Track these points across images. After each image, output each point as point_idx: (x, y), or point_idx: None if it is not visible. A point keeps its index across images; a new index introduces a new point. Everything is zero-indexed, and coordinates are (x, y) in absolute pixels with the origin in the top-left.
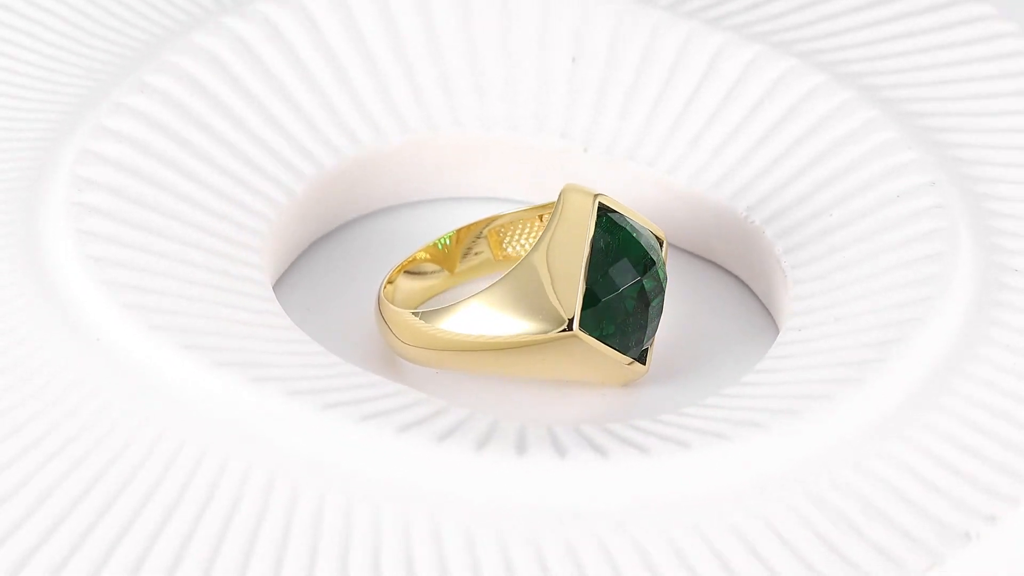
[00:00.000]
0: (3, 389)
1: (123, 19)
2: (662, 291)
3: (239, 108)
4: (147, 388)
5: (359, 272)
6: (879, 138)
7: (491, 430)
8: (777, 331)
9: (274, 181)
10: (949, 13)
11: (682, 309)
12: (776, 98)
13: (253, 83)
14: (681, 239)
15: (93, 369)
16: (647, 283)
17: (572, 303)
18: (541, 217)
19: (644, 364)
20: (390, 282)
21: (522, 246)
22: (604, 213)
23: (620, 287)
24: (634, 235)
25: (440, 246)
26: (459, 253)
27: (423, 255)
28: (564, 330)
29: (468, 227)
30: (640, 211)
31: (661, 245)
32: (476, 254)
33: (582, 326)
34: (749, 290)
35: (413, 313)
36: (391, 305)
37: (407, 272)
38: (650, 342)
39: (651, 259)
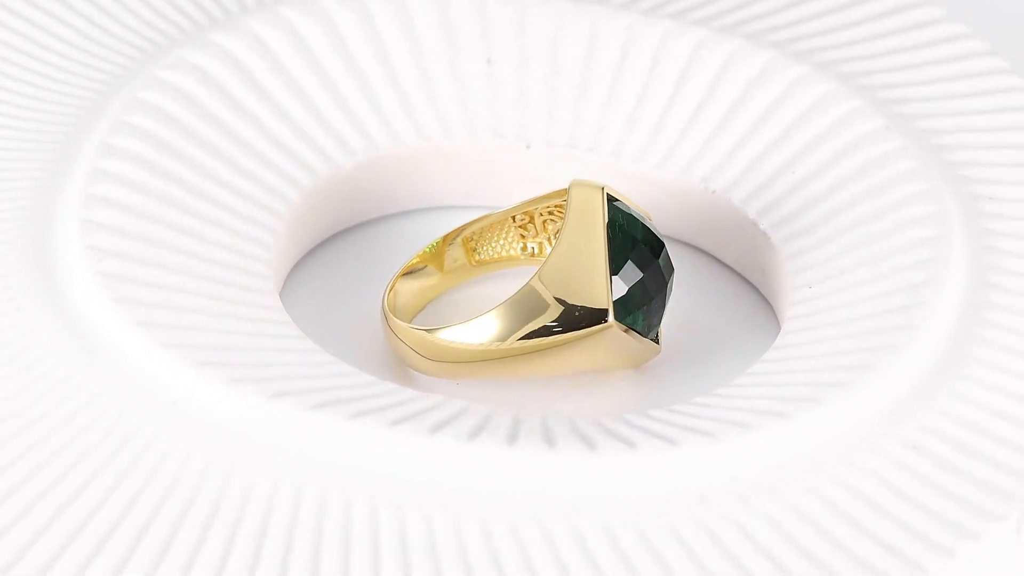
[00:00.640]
0: (19, 408)
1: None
2: (672, 270)
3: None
4: (165, 407)
5: (362, 277)
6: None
7: (520, 432)
8: (779, 328)
9: (273, 189)
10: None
11: (685, 304)
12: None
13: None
14: (684, 235)
15: (110, 388)
16: (662, 263)
17: (604, 296)
18: (514, 218)
19: (658, 343)
20: (391, 290)
21: (495, 251)
22: (609, 202)
23: (642, 272)
24: (640, 220)
25: (430, 250)
26: (444, 259)
27: (417, 260)
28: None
29: (446, 236)
30: (648, 207)
31: None
32: (454, 260)
33: (615, 316)
34: (752, 287)
35: (429, 330)
36: (405, 324)
37: (404, 276)
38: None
39: (660, 240)
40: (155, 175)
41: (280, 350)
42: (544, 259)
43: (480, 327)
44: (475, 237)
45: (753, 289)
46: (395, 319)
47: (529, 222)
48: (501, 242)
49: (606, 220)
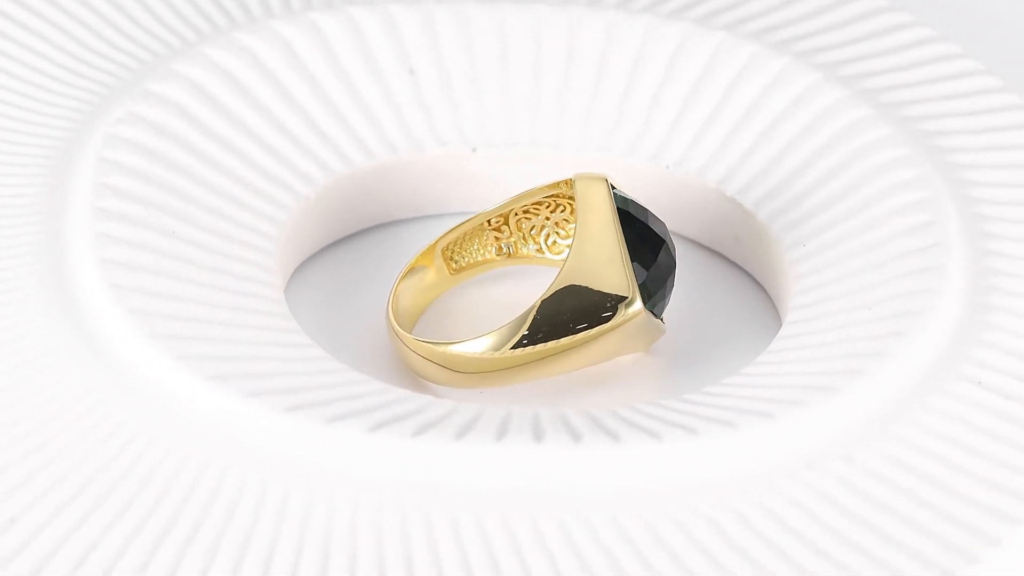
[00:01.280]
0: (36, 424)
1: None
2: (675, 248)
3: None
4: (181, 422)
5: (362, 283)
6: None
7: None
8: (781, 323)
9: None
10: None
11: (687, 298)
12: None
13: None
14: (687, 230)
15: (126, 401)
16: (669, 244)
17: (628, 283)
18: (489, 221)
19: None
20: (394, 297)
21: (472, 257)
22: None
23: (656, 255)
24: (641, 204)
25: (415, 263)
26: (427, 271)
27: (407, 270)
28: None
29: (426, 249)
30: (652, 203)
31: None
32: (436, 271)
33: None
34: (755, 282)
35: (455, 344)
36: (427, 343)
37: (402, 282)
38: None
39: (662, 222)
40: (153, 187)
41: (288, 359)
42: (564, 257)
43: (507, 333)
44: (451, 246)
45: (758, 286)
46: (412, 337)
47: (504, 223)
48: (476, 247)
49: (616, 209)
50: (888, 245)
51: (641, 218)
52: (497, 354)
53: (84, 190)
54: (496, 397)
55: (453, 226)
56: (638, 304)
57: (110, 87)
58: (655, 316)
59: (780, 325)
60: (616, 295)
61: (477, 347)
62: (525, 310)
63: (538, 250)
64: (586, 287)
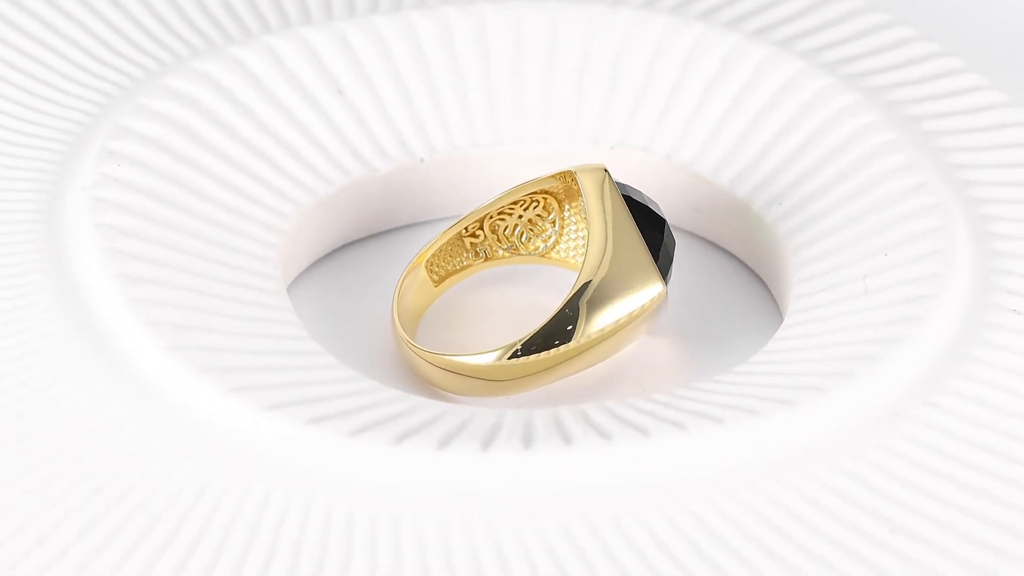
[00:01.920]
0: (50, 434)
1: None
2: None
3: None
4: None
5: (364, 290)
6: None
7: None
8: (782, 318)
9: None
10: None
11: (689, 293)
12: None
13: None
14: (689, 223)
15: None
16: (668, 223)
17: (652, 267)
18: (466, 228)
19: None
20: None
21: (451, 267)
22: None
23: (662, 234)
24: (635, 187)
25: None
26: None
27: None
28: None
29: (410, 267)
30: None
31: None
32: (422, 285)
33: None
34: (757, 277)
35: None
36: (456, 357)
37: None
38: None
39: (654, 202)
40: (153, 201)
41: (304, 368)
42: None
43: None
44: (433, 259)
45: (758, 280)
46: (429, 351)
47: (479, 228)
48: (453, 255)
49: (623, 197)
50: (891, 237)
51: (640, 200)
52: (528, 359)
53: (82, 205)
54: (508, 400)
55: (435, 236)
56: (662, 286)
57: (101, 105)
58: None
59: (781, 320)
60: (643, 282)
61: (503, 356)
62: (553, 311)
63: (512, 249)
64: (611, 279)
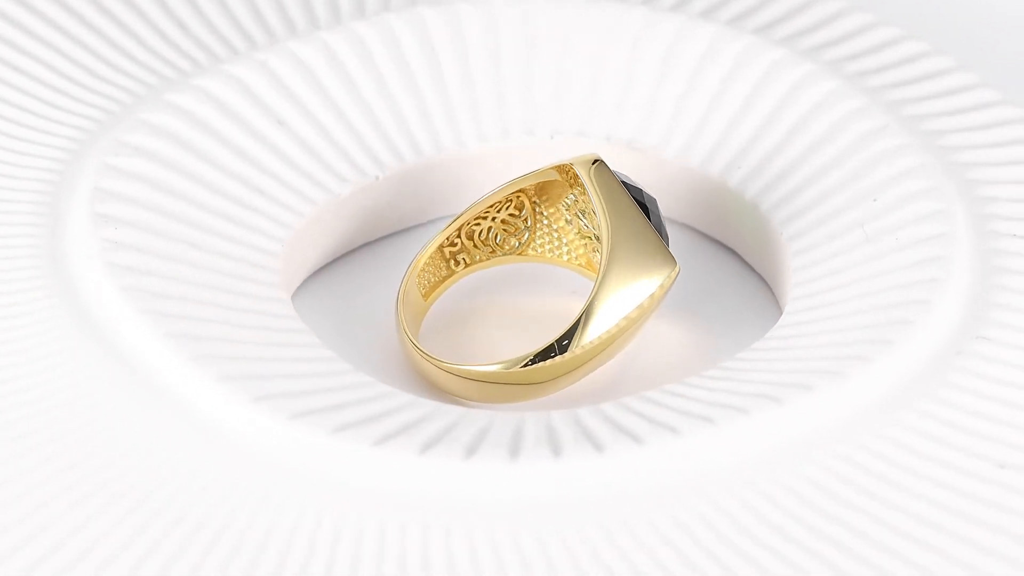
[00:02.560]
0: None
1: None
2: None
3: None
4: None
5: (367, 295)
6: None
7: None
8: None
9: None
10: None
11: (689, 288)
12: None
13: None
14: (689, 217)
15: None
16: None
17: (664, 248)
18: (443, 245)
19: None
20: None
21: (435, 280)
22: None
23: (657, 214)
24: (617, 171)
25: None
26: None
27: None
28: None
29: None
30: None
31: None
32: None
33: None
34: (756, 273)
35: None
36: (484, 367)
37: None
38: None
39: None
40: (154, 213)
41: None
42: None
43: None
44: (419, 275)
45: (756, 275)
46: (448, 362)
47: (456, 237)
48: (434, 268)
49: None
50: (891, 234)
51: (629, 182)
52: (560, 359)
53: (82, 218)
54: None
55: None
56: (675, 264)
57: (99, 122)
58: None
59: (779, 315)
60: (661, 265)
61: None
62: (578, 312)
63: (490, 251)
64: (630, 268)
